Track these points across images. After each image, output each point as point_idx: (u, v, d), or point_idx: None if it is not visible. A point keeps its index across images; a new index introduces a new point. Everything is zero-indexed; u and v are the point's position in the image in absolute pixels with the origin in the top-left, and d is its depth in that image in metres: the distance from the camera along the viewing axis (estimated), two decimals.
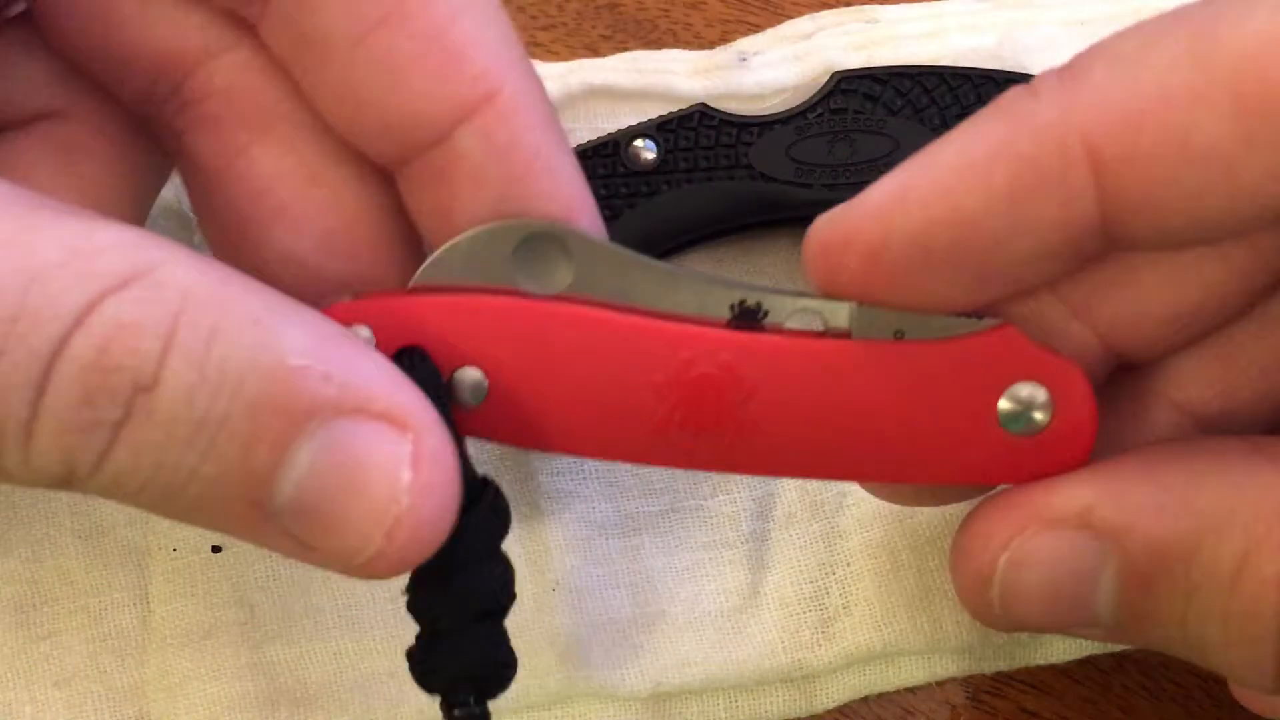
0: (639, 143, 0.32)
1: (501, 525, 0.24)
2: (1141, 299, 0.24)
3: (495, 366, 0.24)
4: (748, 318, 0.24)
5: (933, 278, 0.23)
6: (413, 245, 0.26)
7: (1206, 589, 0.22)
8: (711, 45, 0.36)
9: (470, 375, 0.24)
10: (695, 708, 0.31)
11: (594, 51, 0.37)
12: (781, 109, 0.33)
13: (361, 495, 0.21)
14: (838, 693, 0.32)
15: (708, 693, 0.32)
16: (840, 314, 0.24)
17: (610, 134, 0.32)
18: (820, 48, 0.35)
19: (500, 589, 0.24)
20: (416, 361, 0.23)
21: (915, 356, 0.24)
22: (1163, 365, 0.26)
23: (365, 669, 0.31)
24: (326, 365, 0.20)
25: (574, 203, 0.24)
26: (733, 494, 0.33)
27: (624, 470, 0.32)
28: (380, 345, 0.23)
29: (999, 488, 0.25)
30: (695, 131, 0.32)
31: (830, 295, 0.24)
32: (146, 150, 0.27)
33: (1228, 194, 0.21)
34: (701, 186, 0.32)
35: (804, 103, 0.32)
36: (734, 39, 0.36)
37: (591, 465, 0.32)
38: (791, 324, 0.24)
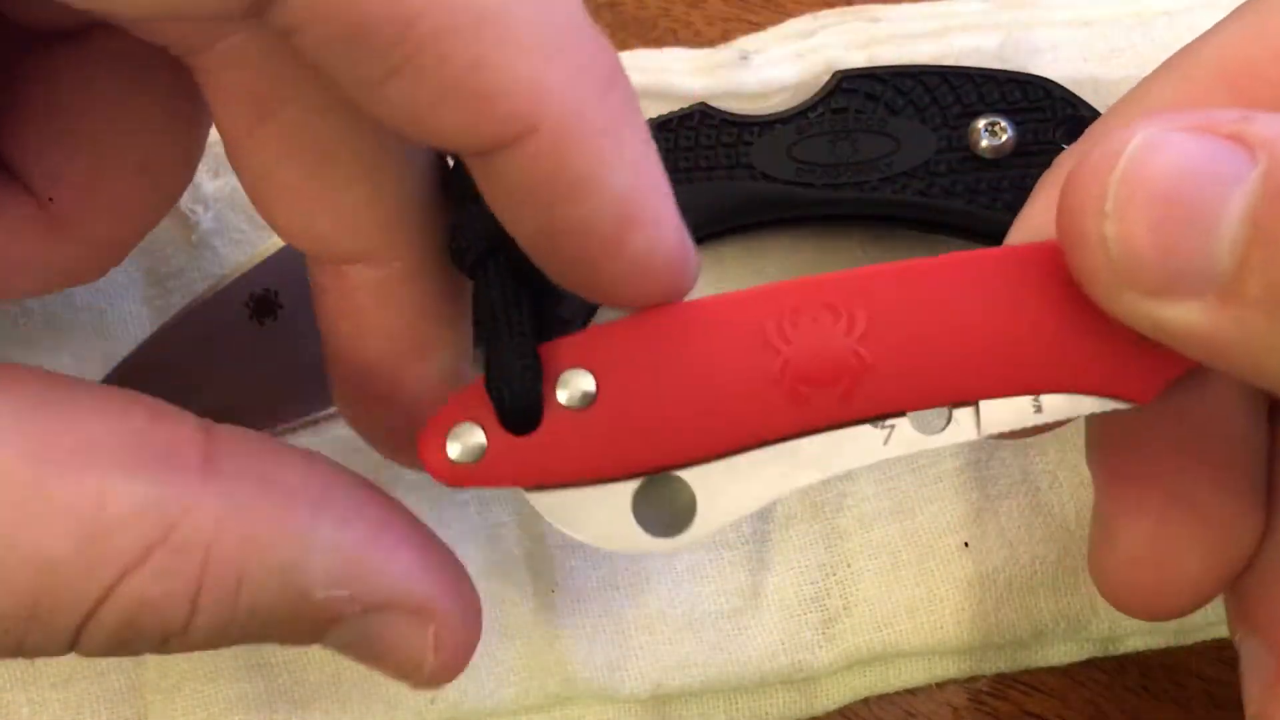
0: None
1: None
2: None
3: (605, 370, 0.22)
4: None
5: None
6: (437, 218, 0.25)
7: None
8: (712, 44, 0.36)
9: (577, 374, 0.22)
10: (695, 709, 0.31)
11: None
12: (783, 108, 0.32)
13: (388, 668, 0.23)
14: (838, 694, 0.32)
15: (708, 694, 0.31)
16: None
17: None
18: (822, 46, 0.35)
19: None
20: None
21: (1037, 254, 0.22)
22: None
23: (365, 669, 0.31)
24: (352, 588, 0.22)
25: (627, 213, 0.22)
26: None
27: None
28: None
29: None
30: (696, 131, 0.32)
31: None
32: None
33: None
34: (702, 186, 0.32)
35: (805, 102, 0.32)
36: (735, 37, 0.36)
37: None
38: None
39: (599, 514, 0.23)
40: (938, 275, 0.22)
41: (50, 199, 0.25)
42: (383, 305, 0.24)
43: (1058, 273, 0.22)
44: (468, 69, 0.19)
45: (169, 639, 0.21)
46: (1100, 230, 0.21)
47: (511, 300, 0.23)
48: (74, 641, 0.20)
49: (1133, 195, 0.20)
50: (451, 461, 0.22)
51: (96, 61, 0.25)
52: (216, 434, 0.22)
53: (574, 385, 0.22)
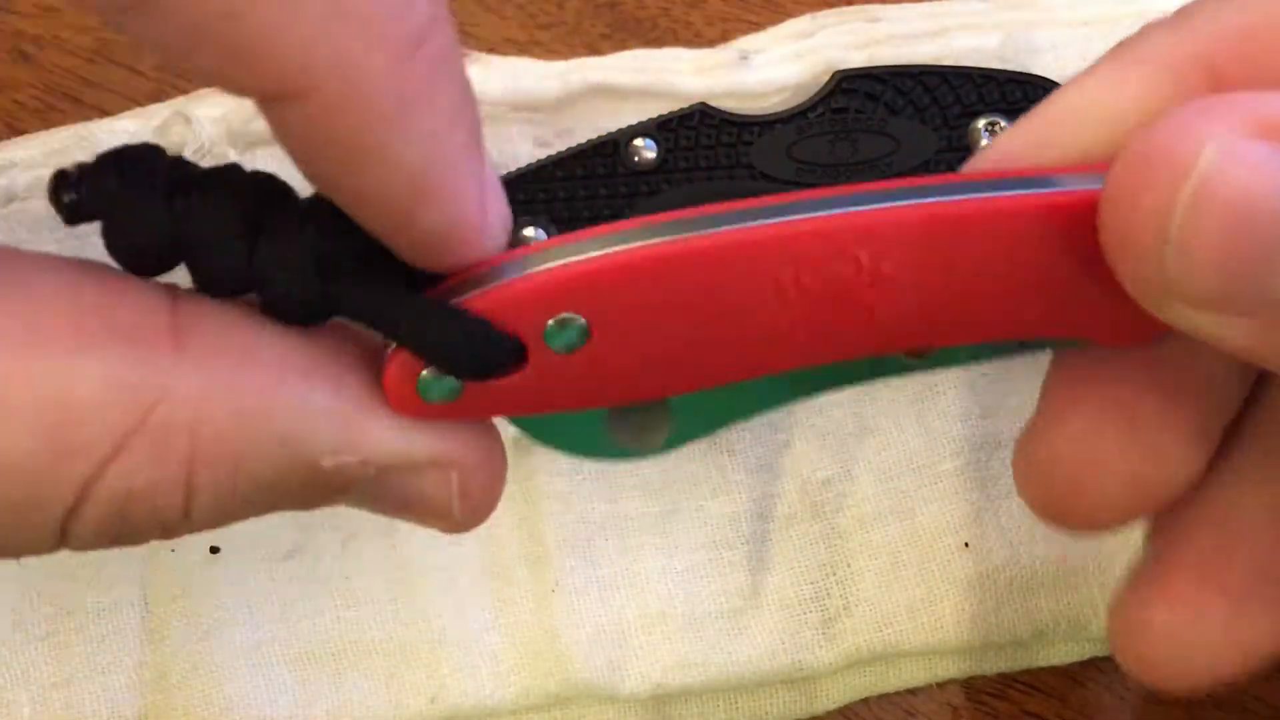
0: (639, 142, 0.32)
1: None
2: None
3: (598, 313, 0.21)
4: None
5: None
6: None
7: None
8: (712, 44, 0.36)
9: (568, 318, 0.21)
10: (695, 709, 0.31)
11: (594, 50, 0.37)
12: (782, 108, 0.32)
13: (415, 518, 0.22)
14: (838, 694, 0.32)
15: (708, 694, 0.31)
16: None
17: (610, 133, 0.32)
18: (822, 46, 0.35)
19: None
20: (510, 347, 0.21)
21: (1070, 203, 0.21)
22: None
23: (365, 669, 0.31)
24: (360, 451, 0.20)
25: (418, 187, 0.20)
26: (732, 495, 0.32)
27: (623, 471, 0.32)
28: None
29: None
30: (696, 131, 0.32)
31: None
32: None
33: None
34: (702, 186, 0.32)
35: (805, 102, 0.32)
36: (735, 37, 0.36)
37: (591, 466, 0.32)
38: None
39: (572, 427, 0.23)
40: (956, 225, 0.21)
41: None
42: (326, 138, 0.21)
43: (1075, 230, 0.21)
44: (218, 18, 0.17)
45: (169, 526, 0.19)
46: (1160, 246, 0.19)
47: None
48: (60, 540, 0.19)
49: (1203, 218, 0.19)
50: (424, 404, 0.21)
51: None
52: (184, 303, 0.20)
53: (565, 335, 0.21)
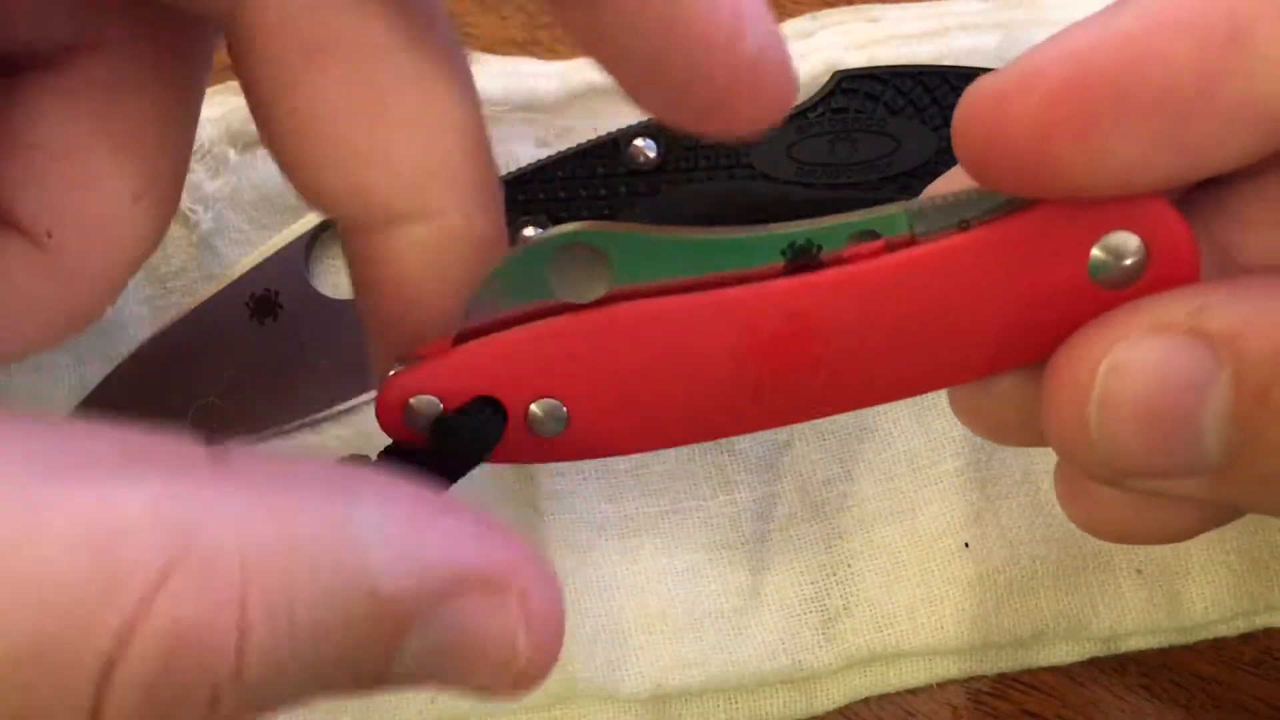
0: (639, 142, 0.32)
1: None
2: None
3: (569, 389, 0.23)
4: (802, 257, 0.22)
5: (1128, 136, 0.20)
6: (491, 173, 0.23)
7: None
8: None
9: (547, 406, 0.23)
10: (695, 709, 0.31)
11: None
12: None
13: (480, 664, 0.20)
14: (838, 694, 0.32)
15: (708, 694, 0.31)
16: (897, 221, 0.22)
17: (610, 133, 0.32)
18: (821, 47, 0.35)
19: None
20: (488, 414, 0.22)
21: (988, 240, 0.22)
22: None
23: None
24: (416, 569, 0.18)
25: (738, 7, 0.20)
26: (733, 495, 0.32)
27: (623, 471, 0.32)
28: (447, 406, 0.22)
29: None
30: None
31: (985, 175, 0.22)
32: (188, 76, 0.25)
33: None
34: (702, 186, 0.32)
35: (805, 102, 0.32)
36: None
37: (591, 466, 0.32)
38: (849, 250, 0.22)
39: (520, 269, 0.23)
40: (909, 278, 0.22)
41: (49, 235, 0.24)
42: (435, 267, 0.22)
43: (1035, 244, 0.22)
44: None
45: (219, 688, 0.17)
46: (1089, 446, 0.21)
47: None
48: (96, 703, 0.16)
49: (1114, 419, 0.21)
50: (411, 430, 0.22)
51: (80, 89, 0.24)
52: (221, 446, 0.19)
53: (546, 424, 0.23)
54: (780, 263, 0.22)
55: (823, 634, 0.32)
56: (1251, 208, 0.23)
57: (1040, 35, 0.36)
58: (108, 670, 0.16)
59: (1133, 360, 0.21)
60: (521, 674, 0.20)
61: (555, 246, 0.22)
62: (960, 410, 0.26)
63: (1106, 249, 0.22)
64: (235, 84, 0.33)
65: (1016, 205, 0.22)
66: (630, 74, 0.21)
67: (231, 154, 0.33)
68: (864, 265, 0.22)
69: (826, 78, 0.33)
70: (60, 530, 0.16)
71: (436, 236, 0.22)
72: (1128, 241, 0.22)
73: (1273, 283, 0.21)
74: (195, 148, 0.32)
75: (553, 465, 0.32)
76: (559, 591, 0.20)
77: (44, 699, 0.16)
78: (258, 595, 0.17)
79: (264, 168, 0.33)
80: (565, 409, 0.23)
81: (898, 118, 0.32)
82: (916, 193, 0.32)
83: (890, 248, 0.22)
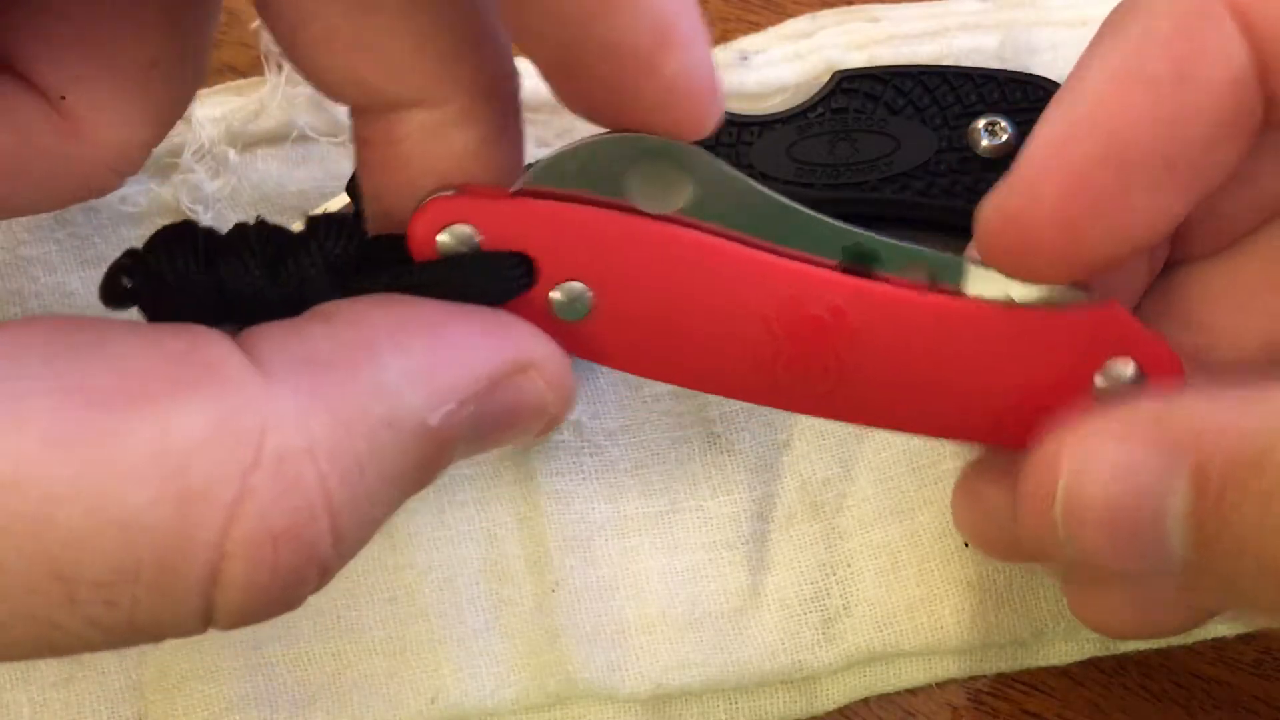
0: None
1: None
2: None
3: (601, 283, 0.23)
4: (860, 262, 0.23)
5: (1133, 192, 0.22)
6: (498, 62, 0.24)
7: None
8: (712, 44, 0.36)
9: (574, 289, 0.23)
10: (695, 709, 0.31)
11: None
12: (782, 108, 0.32)
13: (519, 429, 0.22)
14: (838, 694, 0.32)
15: (708, 694, 0.32)
16: (953, 270, 0.23)
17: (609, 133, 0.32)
18: (821, 46, 0.35)
19: None
20: (522, 271, 0.22)
21: (1022, 322, 0.24)
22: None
23: (365, 669, 0.31)
24: (457, 390, 0.20)
25: (664, 29, 0.21)
26: (732, 495, 0.32)
27: (623, 471, 0.32)
28: (484, 246, 0.22)
29: None
30: None
31: (1022, 273, 0.23)
32: None
33: None
34: None
35: (805, 102, 0.32)
36: (735, 38, 0.36)
37: (591, 466, 0.32)
38: (903, 275, 0.23)
39: (596, 164, 0.23)
40: (947, 321, 0.23)
41: (63, 97, 0.24)
42: (436, 152, 0.23)
43: (1058, 343, 0.24)
44: None
45: (325, 563, 0.19)
46: (1059, 546, 0.23)
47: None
48: (207, 613, 0.18)
49: (1078, 525, 0.22)
50: (435, 252, 0.23)
51: None
52: (245, 338, 0.20)
53: (567, 307, 0.23)
54: (838, 258, 0.23)
55: (823, 634, 0.32)
56: (1226, 287, 0.26)
57: (1040, 35, 0.37)
58: (211, 578, 0.17)
59: (1095, 463, 0.22)
60: (553, 419, 0.23)
61: (643, 149, 0.22)
62: (961, 526, 0.28)
63: (1109, 372, 0.24)
64: (235, 84, 0.34)
65: (1061, 301, 0.23)
66: (547, 68, 0.21)
67: (231, 154, 0.33)
68: (908, 294, 0.23)
69: (826, 78, 0.33)
70: (131, 460, 0.17)
71: (438, 121, 0.22)
72: (1125, 369, 0.24)
73: (1214, 387, 0.22)
74: (195, 148, 0.32)
75: (553, 464, 0.32)
76: (557, 346, 0.22)
77: (152, 609, 0.17)
78: (335, 479, 0.18)
79: (264, 168, 0.33)
80: (591, 297, 0.23)
81: (898, 118, 0.32)
82: (916, 192, 0.32)
83: (934, 289, 0.23)
